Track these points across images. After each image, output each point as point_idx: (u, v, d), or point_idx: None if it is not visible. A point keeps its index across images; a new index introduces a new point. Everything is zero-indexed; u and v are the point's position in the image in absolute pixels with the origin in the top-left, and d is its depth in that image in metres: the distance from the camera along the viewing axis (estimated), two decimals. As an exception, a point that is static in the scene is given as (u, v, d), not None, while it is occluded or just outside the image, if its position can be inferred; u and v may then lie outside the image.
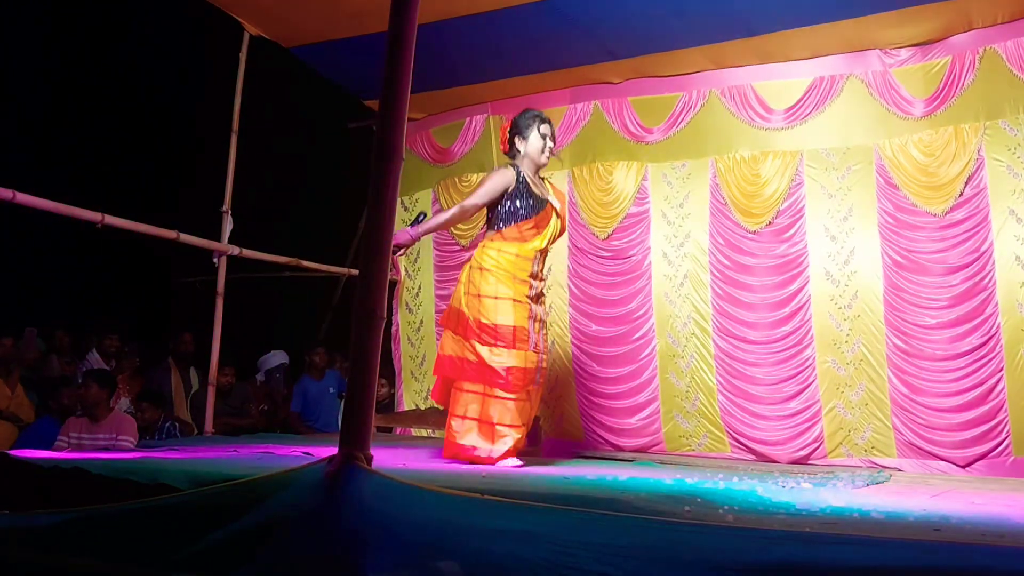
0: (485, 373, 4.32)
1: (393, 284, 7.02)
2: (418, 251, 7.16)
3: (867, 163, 5.50)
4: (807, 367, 5.55)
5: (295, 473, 2.31)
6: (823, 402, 5.49)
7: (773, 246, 5.70)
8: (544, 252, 4.59)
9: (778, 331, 5.63)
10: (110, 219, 4.95)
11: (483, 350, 4.32)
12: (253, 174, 6.22)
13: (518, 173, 4.54)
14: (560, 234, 4.73)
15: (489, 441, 4.30)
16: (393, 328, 7.16)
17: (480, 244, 4.60)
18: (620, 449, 6.03)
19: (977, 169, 5.17)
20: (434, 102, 6.77)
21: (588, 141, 6.36)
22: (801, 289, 5.61)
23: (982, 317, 5.10)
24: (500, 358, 4.30)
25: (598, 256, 6.28)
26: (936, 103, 5.28)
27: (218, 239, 5.76)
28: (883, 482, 4.34)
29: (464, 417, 4.33)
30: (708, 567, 1.82)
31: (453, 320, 4.48)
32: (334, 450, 2.31)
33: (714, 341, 5.83)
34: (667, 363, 5.98)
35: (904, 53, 5.40)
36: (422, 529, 2.03)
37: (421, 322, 7.10)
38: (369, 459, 2.32)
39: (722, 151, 5.88)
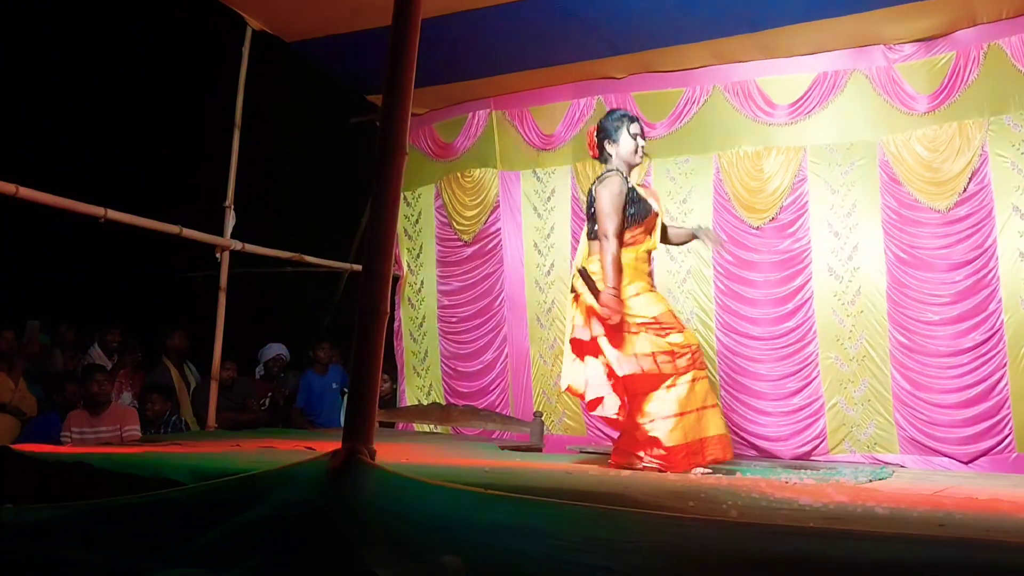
0: (674, 362, 4.10)
1: (395, 279, 7.02)
2: (420, 246, 7.16)
3: (871, 159, 5.48)
4: (810, 363, 5.55)
5: (299, 467, 2.31)
6: (826, 398, 5.49)
7: (776, 242, 5.69)
8: (651, 252, 4.44)
9: (781, 327, 5.62)
10: (113, 214, 4.95)
11: (662, 342, 4.11)
12: (256, 169, 6.21)
13: (625, 179, 4.33)
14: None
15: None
16: (395, 324, 7.16)
17: (591, 256, 4.32)
18: (622, 445, 6.01)
19: (981, 165, 5.15)
20: (437, 97, 6.76)
21: (591, 136, 6.34)
22: (804, 285, 5.61)
23: (985, 313, 5.10)
24: (680, 340, 4.13)
25: (601, 251, 6.27)
26: (940, 99, 5.27)
27: (221, 234, 5.76)
28: (886, 478, 4.34)
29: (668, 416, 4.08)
30: (712, 562, 1.82)
31: (592, 344, 4.17)
32: (337, 445, 2.31)
33: (717, 337, 5.82)
34: (670, 359, 5.97)
35: (908, 48, 5.38)
36: (425, 523, 2.03)
37: (423, 318, 7.09)
38: (372, 453, 2.32)
39: (725, 147, 5.87)
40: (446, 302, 6.99)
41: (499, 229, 6.74)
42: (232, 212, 5.82)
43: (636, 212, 4.30)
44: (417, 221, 7.19)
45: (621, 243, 4.19)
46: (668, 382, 4.11)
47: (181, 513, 2.30)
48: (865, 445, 5.38)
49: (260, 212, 6.23)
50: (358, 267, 6.48)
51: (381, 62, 2.61)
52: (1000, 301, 5.06)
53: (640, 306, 4.17)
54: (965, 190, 5.18)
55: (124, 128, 8.70)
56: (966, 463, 5.08)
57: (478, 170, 6.82)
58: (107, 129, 8.62)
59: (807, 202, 5.65)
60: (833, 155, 5.59)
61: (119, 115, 8.66)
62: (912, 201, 5.34)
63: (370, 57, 5.66)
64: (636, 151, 4.40)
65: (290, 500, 2.15)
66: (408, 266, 7.21)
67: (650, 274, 4.43)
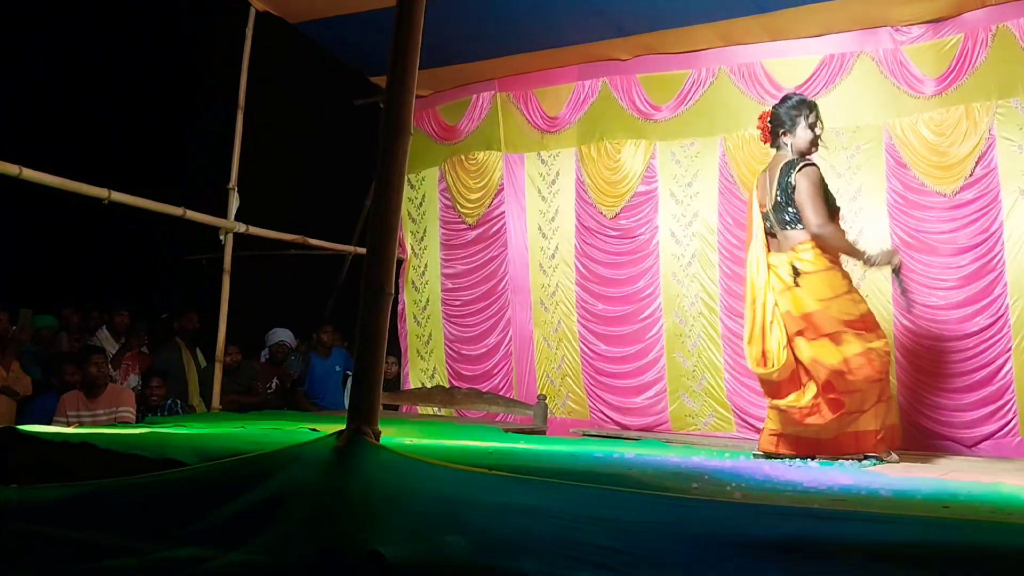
0: (872, 363, 4.04)
1: (399, 262, 7.02)
2: (424, 229, 7.15)
3: (877, 142, 5.46)
4: (814, 347, 5.53)
5: (304, 448, 2.32)
6: (830, 382, 5.47)
7: (781, 226, 5.66)
8: None
9: (785, 311, 5.61)
10: (116, 195, 4.94)
11: (859, 344, 4.04)
12: (259, 151, 6.20)
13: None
14: None
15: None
16: (399, 307, 7.16)
17: (791, 247, 4.20)
18: (626, 428, 6.04)
19: (988, 149, 5.12)
20: (441, 79, 6.73)
21: (596, 119, 6.33)
22: (809, 269, 5.58)
23: (990, 298, 5.08)
24: (875, 344, 4.06)
25: (605, 235, 6.27)
26: (947, 81, 5.23)
27: (224, 216, 5.75)
28: (890, 462, 4.33)
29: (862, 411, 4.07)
30: (717, 542, 1.82)
31: (812, 327, 4.11)
32: (341, 427, 2.32)
33: (722, 320, 5.82)
34: (674, 342, 5.97)
35: (916, 30, 5.34)
36: (430, 503, 2.04)
37: (427, 301, 7.10)
38: (377, 434, 2.32)
39: (731, 129, 5.84)
40: (450, 285, 6.98)
41: (503, 212, 6.72)
42: (236, 194, 5.81)
43: (830, 204, 4.19)
44: (421, 204, 7.18)
45: (832, 227, 4.09)
46: None
47: (187, 493, 2.31)
48: (869, 429, 5.37)
49: (264, 194, 6.21)
50: (362, 250, 6.47)
51: (385, 43, 2.59)
52: (1005, 286, 5.04)
53: (849, 304, 4.11)
54: (971, 174, 5.16)
55: (127, 110, 8.69)
56: (969, 447, 5.08)
57: (482, 153, 6.80)
58: (110, 111, 8.61)
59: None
60: (839, 138, 5.56)
61: (122, 97, 8.64)
62: (918, 185, 5.31)
63: (374, 38, 5.65)
64: (814, 143, 4.20)
65: (295, 480, 2.15)
66: (412, 249, 7.21)
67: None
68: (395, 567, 1.77)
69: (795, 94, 4.44)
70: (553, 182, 6.54)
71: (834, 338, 4.07)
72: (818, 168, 4.22)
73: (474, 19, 5.81)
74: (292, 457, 2.28)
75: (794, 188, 4.13)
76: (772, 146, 4.37)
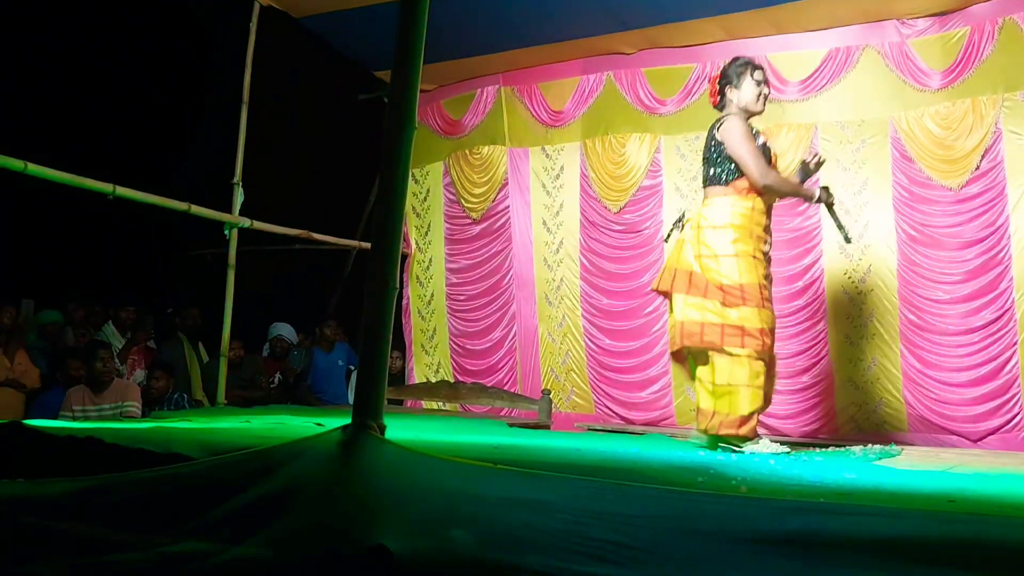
0: (735, 336, 3.91)
1: (404, 257, 7.01)
2: (429, 224, 7.15)
3: (882, 136, 5.44)
4: (819, 341, 5.53)
5: (309, 442, 2.31)
6: (835, 376, 5.47)
7: (787, 220, 5.64)
8: (772, 206, 4.19)
9: (791, 305, 5.60)
10: (122, 190, 4.95)
11: (731, 312, 3.91)
12: (264, 146, 6.20)
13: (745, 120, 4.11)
14: None
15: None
16: (404, 301, 7.16)
17: (706, 200, 4.15)
18: (630, 422, 6.04)
19: (994, 142, 5.11)
20: (445, 73, 6.72)
21: (600, 113, 6.32)
22: (814, 263, 5.58)
23: (996, 292, 5.07)
24: (751, 320, 3.91)
25: (610, 230, 6.26)
26: (954, 75, 5.21)
27: (229, 211, 5.76)
28: (895, 456, 4.33)
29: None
30: (723, 537, 1.81)
31: (684, 283, 4.03)
32: (346, 421, 2.31)
33: (726, 315, 5.80)
34: (678, 337, 5.96)
35: (922, 23, 5.32)
36: (435, 497, 2.03)
37: (432, 295, 7.10)
38: (382, 428, 2.32)
39: (736, 123, 5.82)
40: (454, 280, 6.98)
41: (508, 207, 6.72)
42: (240, 189, 5.81)
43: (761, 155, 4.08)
44: (425, 199, 7.18)
45: (767, 175, 3.99)
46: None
47: (192, 487, 2.31)
48: (874, 423, 5.37)
49: (268, 189, 6.22)
50: (366, 245, 6.48)
51: (389, 37, 2.58)
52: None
53: (731, 269, 3.95)
54: (977, 168, 5.14)
55: (132, 104, 8.70)
56: (975, 441, 5.07)
57: (486, 147, 6.80)
58: (115, 105, 8.61)
59: (817, 179, 5.56)
60: (844, 132, 5.55)
61: (127, 91, 8.65)
62: (924, 179, 5.30)
63: (378, 33, 5.65)
64: (759, 98, 4.15)
65: (301, 474, 2.15)
66: (416, 244, 7.21)
67: (767, 230, 4.12)
68: (400, 561, 1.77)
69: (744, 57, 4.38)
70: (557, 176, 6.53)
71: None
72: (741, 120, 4.10)
73: (478, 13, 5.81)
74: (298, 451, 2.28)
75: (721, 144, 4.09)
76: (718, 107, 4.28)
